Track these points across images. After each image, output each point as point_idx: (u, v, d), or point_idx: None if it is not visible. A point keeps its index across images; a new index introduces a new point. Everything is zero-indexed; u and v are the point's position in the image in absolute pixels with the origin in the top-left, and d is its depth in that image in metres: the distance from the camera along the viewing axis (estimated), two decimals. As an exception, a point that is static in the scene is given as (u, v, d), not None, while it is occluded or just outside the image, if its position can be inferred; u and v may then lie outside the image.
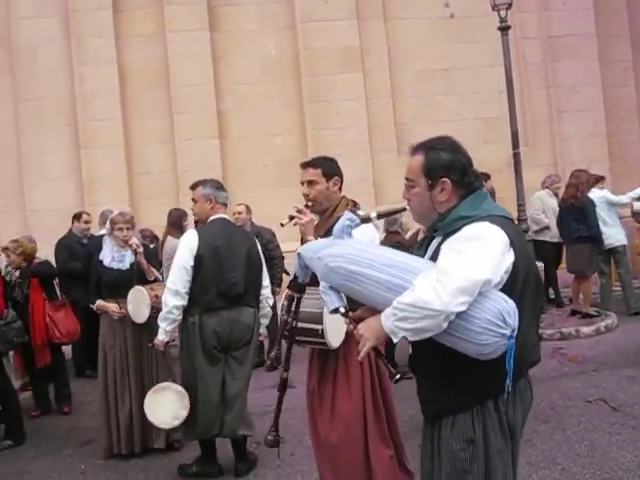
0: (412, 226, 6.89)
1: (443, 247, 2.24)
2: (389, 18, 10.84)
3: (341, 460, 3.42)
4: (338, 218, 3.42)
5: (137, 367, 5.13)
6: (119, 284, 5.16)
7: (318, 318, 3.19)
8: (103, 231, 7.31)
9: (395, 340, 2.17)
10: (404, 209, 2.54)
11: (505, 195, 8.81)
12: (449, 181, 2.34)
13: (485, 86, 10.68)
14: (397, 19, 10.88)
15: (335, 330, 3.29)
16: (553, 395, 5.68)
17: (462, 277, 2.08)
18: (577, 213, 8.21)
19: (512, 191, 8.83)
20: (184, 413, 4.43)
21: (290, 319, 3.01)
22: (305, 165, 3.65)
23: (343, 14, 10.59)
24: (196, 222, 5.29)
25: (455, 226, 2.26)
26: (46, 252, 7.45)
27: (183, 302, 4.41)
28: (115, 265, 5.28)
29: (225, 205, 4.74)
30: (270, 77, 10.60)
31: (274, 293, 7.24)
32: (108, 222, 5.43)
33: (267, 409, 5.97)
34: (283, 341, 3.24)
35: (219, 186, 4.71)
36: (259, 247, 4.92)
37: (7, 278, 6.25)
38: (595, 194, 8.50)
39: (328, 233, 3.35)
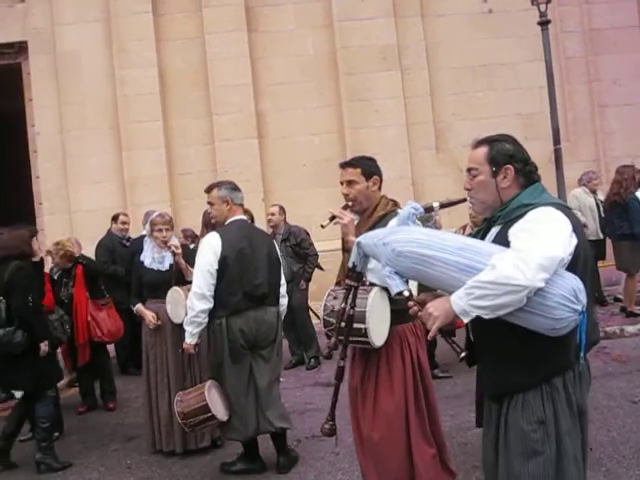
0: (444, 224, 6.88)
1: (512, 231, 2.32)
2: (426, 15, 10.80)
3: (384, 457, 3.43)
4: (379, 217, 3.48)
5: (177, 366, 5.16)
6: (159, 285, 5.25)
7: (362, 317, 3.20)
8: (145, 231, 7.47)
9: (465, 321, 2.26)
10: (464, 200, 2.68)
11: (546, 192, 8.69)
12: (512, 168, 2.45)
13: (525, 82, 10.57)
14: (435, 16, 10.82)
15: (378, 329, 3.29)
16: (597, 395, 5.59)
17: (542, 255, 2.17)
18: (620, 210, 8.06)
19: (553, 188, 8.71)
20: (227, 402, 4.54)
21: (348, 307, 3.04)
22: (344, 165, 3.66)
23: (380, 12, 10.59)
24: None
25: (517, 213, 2.36)
26: (91, 252, 7.63)
27: (209, 305, 4.44)
28: (155, 266, 5.36)
29: (242, 206, 4.77)
30: (308, 76, 10.65)
31: (306, 288, 7.63)
32: (148, 224, 5.51)
33: (308, 407, 6.04)
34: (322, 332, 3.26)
35: (234, 187, 4.73)
36: (277, 247, 5.00)
37: (55, 277, 6.44)
38: None
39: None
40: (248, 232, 4.73)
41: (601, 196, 8.86)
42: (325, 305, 3.38)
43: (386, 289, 3.23)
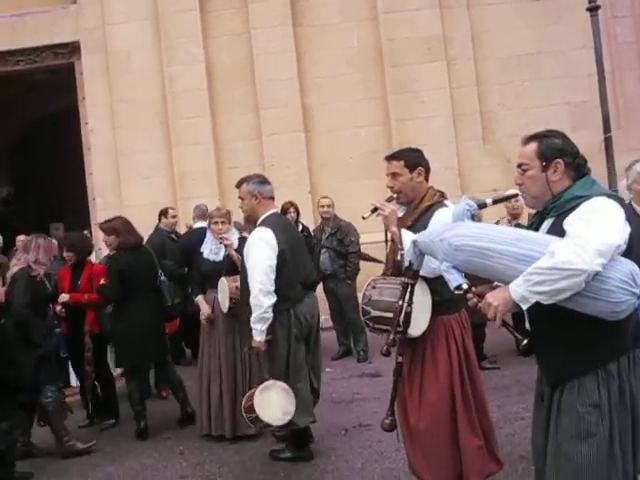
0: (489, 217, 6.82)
1: (568, 220, 2.37)
2: (473, 5, 10.67)
3: (431, 447, 3.45)
4: (425, 208, 3.51)
5: (228, 352, 5.36)
6: (213, 275, 5.47)
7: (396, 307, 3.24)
8: (198, 224, 7.70)
9: (524, 307, 2.31)
10: (516, 195, 2.76)
11: (596, 182, 8.53)
12: (562, 161, 2.50)
13: (573, 70, 10.36)
14: (481, 5, 10.68)
15: (415, 319, 3.29)
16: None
17: (599, 241, 2.23)
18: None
19: (604, 178, 8.53)
20: (292, 408, 4.46)
21: (406, 305, 3.10)
22: (388, 158, 3.69)
23: (425, 3, 10.52)
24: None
25: (571, 204, 2.42)
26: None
27: (274, 299, 4.49)
28: (211, 257, 5.60)
29: (272, 199, 4.80)
30: (353, 69, 10.67)
31: (353, 282, 7.70)
32: (208, 217, 5.76)
33: (355, 397, 6.12)
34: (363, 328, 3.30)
35: (262, 180, 4.79)
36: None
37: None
38: None
39: (415, 223, 3.42)
40: (286, 224, 4.92)
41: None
42: (364, 294, 3.47)
43: (424, 279, 3.28)
